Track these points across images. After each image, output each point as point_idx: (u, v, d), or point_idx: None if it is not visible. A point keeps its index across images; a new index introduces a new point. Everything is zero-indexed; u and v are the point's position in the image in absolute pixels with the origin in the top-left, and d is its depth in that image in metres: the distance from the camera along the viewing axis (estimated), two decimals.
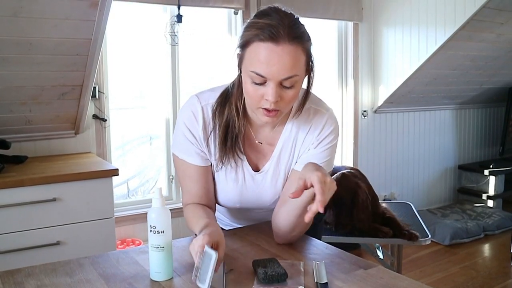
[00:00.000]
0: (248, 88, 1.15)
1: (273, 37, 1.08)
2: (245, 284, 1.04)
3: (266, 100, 1.13)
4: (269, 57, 1.09)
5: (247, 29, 1.14)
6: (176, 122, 1.34)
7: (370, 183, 2.68)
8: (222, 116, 1.26)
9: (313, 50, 1.18)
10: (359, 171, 2.72)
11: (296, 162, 1.33)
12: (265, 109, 1.15)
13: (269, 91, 1.11)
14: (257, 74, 1.11)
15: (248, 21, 1.16)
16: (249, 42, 1.12)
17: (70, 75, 2.41)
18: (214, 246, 1.05)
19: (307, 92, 1.24)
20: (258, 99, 1.14)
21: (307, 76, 1.20)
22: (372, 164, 4.12)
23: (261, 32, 1.09)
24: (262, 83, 1.12)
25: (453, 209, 4.48)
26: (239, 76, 1.22)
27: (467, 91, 4.52)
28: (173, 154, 1.36)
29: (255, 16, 1.16)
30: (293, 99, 1.17)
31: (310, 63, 1.18)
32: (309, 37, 1.15)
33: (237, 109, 1.25)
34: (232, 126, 1.26)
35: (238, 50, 1.18)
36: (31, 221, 2.10)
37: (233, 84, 1.27)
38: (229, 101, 1.26)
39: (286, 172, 1.34)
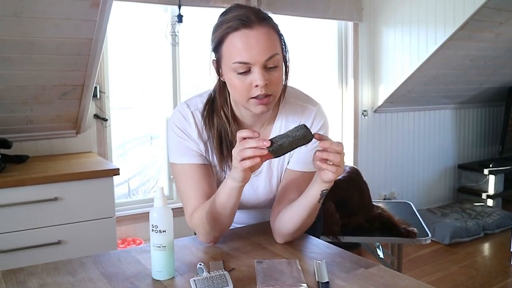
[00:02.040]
0: (235, 82, 1.15)
1: (245, 23, 1.12)
2: (247, 283, 1.05)
3: (256, 86, 1.14)
4: (246, 42, 1.12)
5: (216, 29, 1.18)
6: (167, 132, 1.34)
7: (370, 182, 2.69)
8: (212, 127, 1.27)
9: (282, 32, 1.21)
10: (356, 170, 2.73)
11: (289, 162, 1.33)
12: (256, 98, 1.15)
13: (256, 76, 1.13)
14: (240, 63, 1.12)
15: (215, 23, 1.20)
16: (223, 38, 1.15)
17: (71, 75, 2.42)
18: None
19: (285, 86, 1.25)
20: (247, 89, 1.14)
21: (284, 69, 1.21)
22: (372, 164, 4.13)
23: (232, 23, 1.13)
24: (247, 71, 1.13)
25: (453, 208, 4.48)
26: (219, 81, 1.23)
27: (466, 91, 4.53)
28: (172, 164, 1.33)
29: (219, 16, 1.20)
30: (280, 80, 1.19)
31: (284, 47, 1.20)
32: (275, 22, 1.19)
33: (226, 116, 1.25)
34: (225, 134, 1.26)
35: (213, 55, 1.20)
36: (32, 221, 2.11)
37: (214, 91, 1.28)
38: (216, 109, 1.26)
39: (279, 171, 1.34)
